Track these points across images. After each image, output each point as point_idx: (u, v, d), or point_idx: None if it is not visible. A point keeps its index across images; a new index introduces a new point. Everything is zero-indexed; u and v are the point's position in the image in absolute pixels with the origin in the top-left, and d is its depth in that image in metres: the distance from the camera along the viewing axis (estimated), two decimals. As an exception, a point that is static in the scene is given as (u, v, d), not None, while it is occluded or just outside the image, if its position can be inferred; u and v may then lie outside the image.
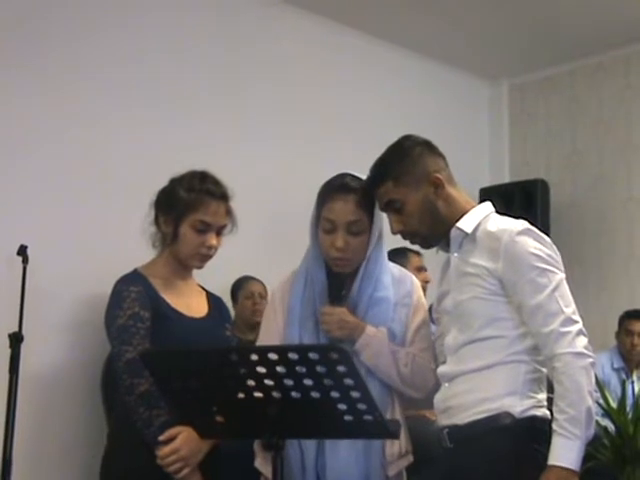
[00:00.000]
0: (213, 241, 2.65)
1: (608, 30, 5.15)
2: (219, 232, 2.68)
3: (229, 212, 2.71)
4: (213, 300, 2.83)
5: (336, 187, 2.45)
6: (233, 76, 4.37)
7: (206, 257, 2.69)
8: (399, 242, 2.50)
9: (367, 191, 2.41)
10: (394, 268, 2.61)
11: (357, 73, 5.04)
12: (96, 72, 3.74)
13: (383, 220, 2.48)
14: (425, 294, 3.84)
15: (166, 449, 2.41)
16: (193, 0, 4.23)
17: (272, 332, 2.54)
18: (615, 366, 5.06)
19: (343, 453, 2.37)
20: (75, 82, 3.67)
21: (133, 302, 2.57)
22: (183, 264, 2.72)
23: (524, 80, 5.96)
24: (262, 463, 2.46)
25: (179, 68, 4.11)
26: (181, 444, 2.41)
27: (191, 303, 2.73)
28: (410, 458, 2.51)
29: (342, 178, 2.47)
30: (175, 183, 2.70)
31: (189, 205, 2.62)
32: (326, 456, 2.38)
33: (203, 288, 2.84)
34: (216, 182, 2.69)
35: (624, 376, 4.91)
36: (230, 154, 4.01)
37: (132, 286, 2.61)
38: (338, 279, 2.50)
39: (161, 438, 2.42)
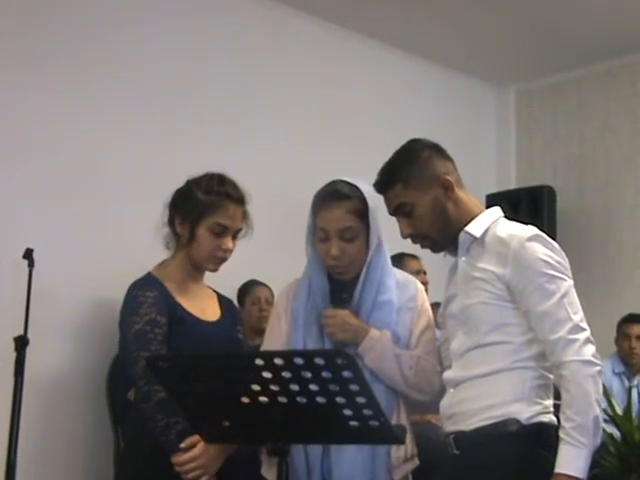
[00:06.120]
0: (229, 244, 2.64)
1: (616, 37, 5.15)
2: (235, 236, 2.67)
3: (245, 216, 2.69)
4: (225, 302, 2.81)
5: (327, 195, 2.45)
6: (239, 80, 4.37)
7: (222, 260, 2.67)
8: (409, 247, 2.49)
9: (359, 196, 2.41)
10: (398, 273, 2.60)
11: (363, 78, 5.04)
12: (105, 76, 3.75)
13: (383, 226, 2.47)
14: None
15: (185, 456, 2.39)
16: (198, 5, 4.24)
17: (276, 340, 2.54)
18: (616, 371, 5.05)
19: (349, 456, 2.36)
20: (83, 86, 3.67)
21: (150, 308, 2.54)
22: (197, 267, 2.69)
23: (531, 86, 5.95)
24: (268, 470, 2.45)
25: (188, 73, 4.11)
26: (201, 452, 2.39)
27: (205, 306, 2.71)
28: (416, 462, 2.50)
29: (333, 185, 2.46)
30: (192, 184, 2.67)
31: (207, 207, 2.59)
32: (332, 459, 2.37)
33: (214, 290, 2.83)
34: (235, 185, 2.67)
35: (626, 380, 4.93)
36: (240, 158, 4.00)
37: (148, 291, 2.58)
38: (340, 284, 2.49)
39: (182, 445, 2.38)
